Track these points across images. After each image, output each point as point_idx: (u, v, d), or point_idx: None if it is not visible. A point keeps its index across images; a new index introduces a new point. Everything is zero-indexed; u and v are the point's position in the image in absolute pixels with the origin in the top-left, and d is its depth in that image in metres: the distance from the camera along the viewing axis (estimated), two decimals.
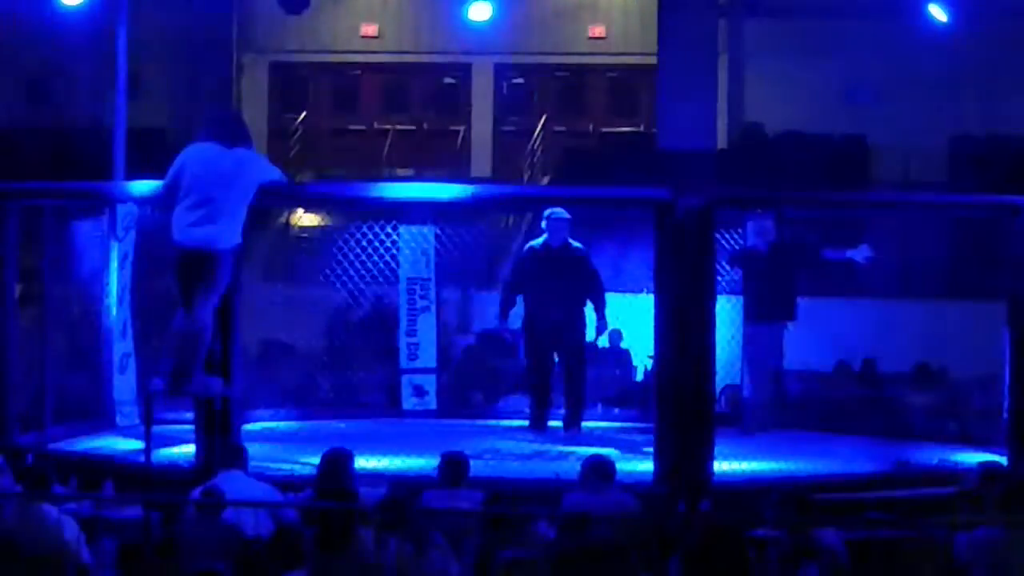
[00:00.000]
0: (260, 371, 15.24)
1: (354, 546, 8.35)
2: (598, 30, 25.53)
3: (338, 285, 14.36)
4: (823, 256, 13.47)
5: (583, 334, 13.28)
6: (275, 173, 10.98)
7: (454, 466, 9.98)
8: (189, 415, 11.17)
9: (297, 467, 11.08)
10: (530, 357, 13.48)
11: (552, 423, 13.38)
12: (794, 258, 13.53)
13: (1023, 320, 11.54)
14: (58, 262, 12.65)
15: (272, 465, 11.02)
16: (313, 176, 23.71)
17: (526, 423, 13.52)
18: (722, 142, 24.23)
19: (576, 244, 13.24)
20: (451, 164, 25.09)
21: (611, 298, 13.57)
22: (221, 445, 10.60)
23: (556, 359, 13.34)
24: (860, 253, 13.24)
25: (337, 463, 9.90)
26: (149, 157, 13.65)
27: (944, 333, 15.88)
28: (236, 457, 10.23)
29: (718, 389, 12.67)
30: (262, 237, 18.77)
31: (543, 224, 13.25)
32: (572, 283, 13.12)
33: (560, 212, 13.04)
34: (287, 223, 22.10)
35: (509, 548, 8.42)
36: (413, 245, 14.12)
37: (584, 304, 13.21)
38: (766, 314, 13.37)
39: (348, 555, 8.32)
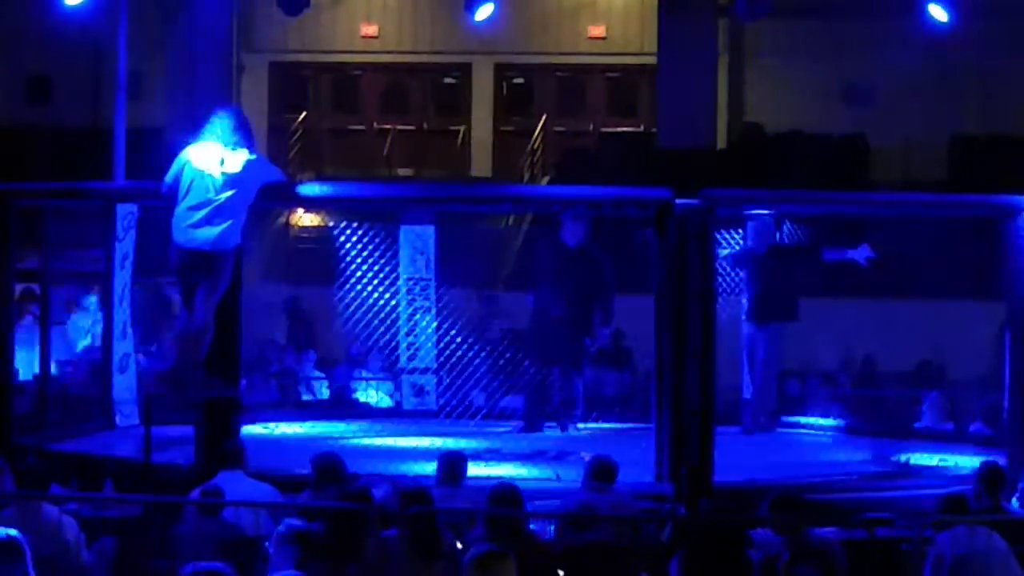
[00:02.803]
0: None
1: (359, 546, 8.34)
2: (598, 30, 25.53)
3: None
4: (823, 256, 13.46)
5: (587, 335, 13.30)
6: (276, 174, 10.98)
7: (453, 465, 9.98)
8: (189, 415, 11.16)
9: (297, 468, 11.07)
10: (533, 355, 13.51)
11: (548, 423, 13.41)
12: (794, 258, 13.53)
13: (1023, 320, 11.54)
14: (58, 262, 12.66)
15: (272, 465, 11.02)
16: (313, 176, 23.70)
17: (522, 423, 13.53)
18: (722, 142, 24.23)
19: (592, 246, 13.24)
20: (451, 164, 25.10)
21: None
22: (221, 445, 10.59)
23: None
24: (860, 253, 13.23)
25: (329, 466, 9.87)
26: (149, 157, 13.64)
27: (944, 333, 15.88)
28: (236, 457, 10.22)
29: None
30: (263, 237, 18.77)
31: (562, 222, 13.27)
32: (583, 285, 13.14)
33: (580, 212, 13.05)
34: (287, 223, 22.10)
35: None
36: (413, 245, 14.12)
37: (592, 307, 13.23)
38: (767, 314, 13.37)
39: (351, 556, 8.31)
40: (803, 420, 14.11)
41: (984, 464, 9.95)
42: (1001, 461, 11.28)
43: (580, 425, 13.54)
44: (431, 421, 13.78)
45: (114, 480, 10.47)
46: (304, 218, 22.20)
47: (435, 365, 14.20)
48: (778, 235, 13.64)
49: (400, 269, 14.18)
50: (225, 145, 10.66)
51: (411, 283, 14.16)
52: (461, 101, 26.07)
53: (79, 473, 10.81)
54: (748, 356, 13.51)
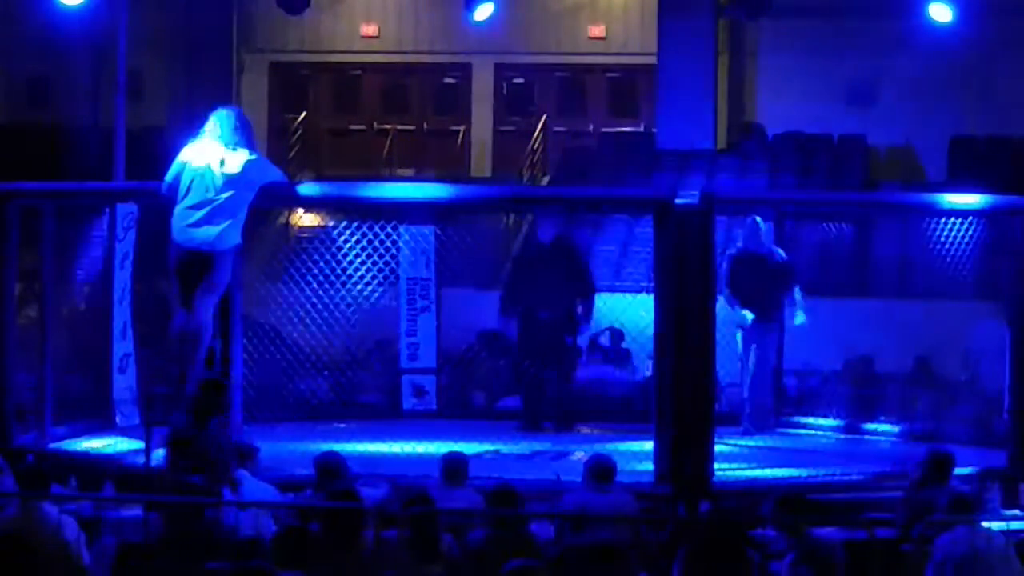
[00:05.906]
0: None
1: (356, 547, 8.34)
2: (598, 30, 25.53)
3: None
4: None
5: (573, 332, 13.32)
6: (276, 174, 10.98)
7: (455, 465, 9.97)
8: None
9: (297, 468, 11.07)
10: (523, 356, 13.53)
11: (547, 422, 13.42)
12: (794, 258, 13.53)
13: (1023, 320, 11.54)
14: (58, 262, 12.64)
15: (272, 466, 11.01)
16: (313, 176, 23.70)
17: (520, 423, 13.52)
18: (722, 142, 24.22)
19: (568, 240, 13.27)
20: (451, 164, 25.10)
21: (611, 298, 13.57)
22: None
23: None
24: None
25: (331, 466, 9.87)
26: (149, 157, 13.64)
27: (944, 333, 15.86)
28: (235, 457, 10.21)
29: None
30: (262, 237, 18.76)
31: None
32: (563, 280, 13.17)
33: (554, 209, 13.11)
34: (287, 223, 22.08)
35: (514, 557, 8.39)
36: (413, 245, 14.11)
37: (574, 302, 13.26)
38: (764, 314, 13.35)
39: (350, 556, 8.31)
40: (803, 420, 14.10)
41: (932, 451, 10.08)
42: (1001, 461, 11.32)
43: (578, 426, 13.54)
44: (431, 421, 13.78)
45: (114, 480, 10.47)
46: (304, 218, 22.19)
47: (435, 365, 14.19)
48: (780, 235, 13.63)
49: (400, 269, 14.16)
50: (225, 145, 10.67)
51: (411, 283, 14.14)
52: (461, 101, 26.07)
53: (79, 473, 10.80)
54: (747, 356, 13.50)
